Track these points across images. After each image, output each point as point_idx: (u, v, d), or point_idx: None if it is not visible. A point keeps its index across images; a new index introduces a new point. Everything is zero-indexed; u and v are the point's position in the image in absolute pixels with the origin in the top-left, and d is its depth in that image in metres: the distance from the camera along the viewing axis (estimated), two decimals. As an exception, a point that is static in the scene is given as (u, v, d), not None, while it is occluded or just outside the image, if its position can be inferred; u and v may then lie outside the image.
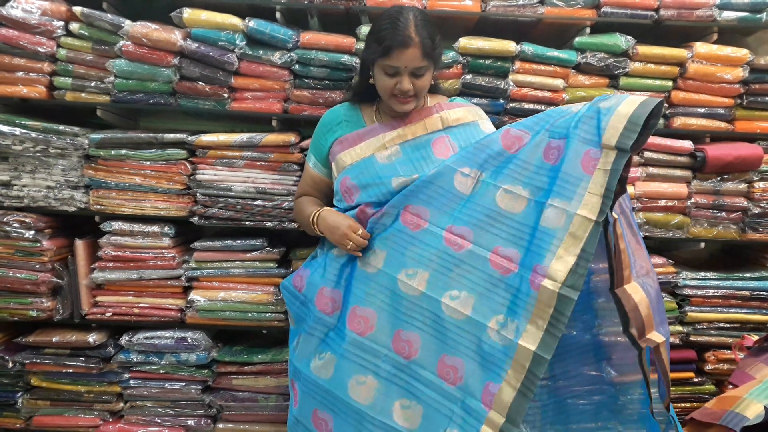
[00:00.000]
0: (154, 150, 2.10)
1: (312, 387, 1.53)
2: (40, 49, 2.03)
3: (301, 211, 1.75)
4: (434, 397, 1.42)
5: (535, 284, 1.32)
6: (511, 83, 2.12)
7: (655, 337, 1.47)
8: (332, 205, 1.74)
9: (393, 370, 1.46)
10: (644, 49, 2.13)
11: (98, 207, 2.12)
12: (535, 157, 1.43)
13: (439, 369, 1.43)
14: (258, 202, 2.10)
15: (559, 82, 2.13)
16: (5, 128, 2.01)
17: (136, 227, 2.10)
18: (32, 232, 2.06)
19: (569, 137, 1.37)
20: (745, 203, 2.20)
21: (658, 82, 2.17)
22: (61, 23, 2.03)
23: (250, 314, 2.14)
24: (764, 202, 2.20)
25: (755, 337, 2.05)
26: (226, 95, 2.10)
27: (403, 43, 1.48)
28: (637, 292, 1.44)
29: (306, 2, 2.09)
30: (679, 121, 2.18)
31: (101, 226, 2.11)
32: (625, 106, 1.31)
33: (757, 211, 2.20)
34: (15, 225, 2.06)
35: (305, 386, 1.55)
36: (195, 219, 2.11)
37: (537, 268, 1.33)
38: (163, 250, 2.12)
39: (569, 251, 1.30)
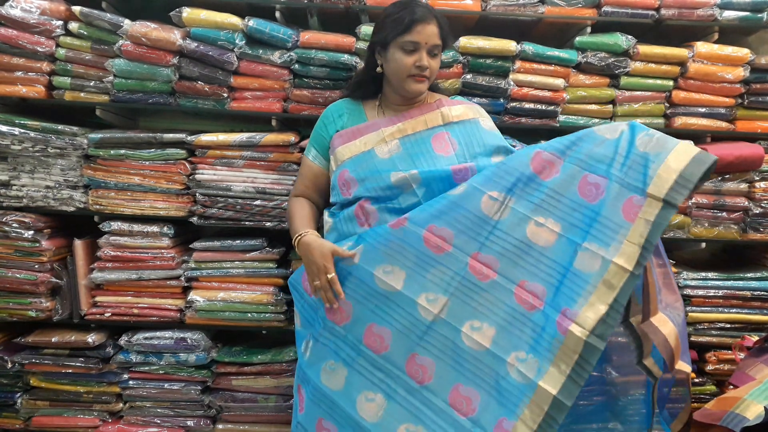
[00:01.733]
0: (153, 150, 2.09)
1: (319, 396, 1.50)
2: (39, 49, 2.02)
3: (291, 220, 1.70)
4: (442, 425, 1.38)
5: (563, 327, 1.29)
6: (512, 83, 2.12)
7: (683, 367, 1.44)
8: (329, 204, 1.73)
9: (403, 392, 1.43)
10: (645, 49, 2.12)
11: (97, 207, 2.11)
12: (569, 190, 1.38)
13: (452, 398, 1.39)
14: (257, 202, 2.09)
15: (559, 82, 2.13)
16: (4, 128, 2.01)
17: (136, 227, 2.10)
18: (31, 232, 2.06)
19: (610, 178, 1.33)
20: (746, 203, 2.19)
21: (659, 81, 2.17)
22: (60, 23, 2.02)
23: (249, 314, 2.13)
24: (765, 202, 2.20)
25: (755, 338, 2.05)
26: (225, 95, 2.09)
27: (424, 18, 1.55)
28: (665, 324, 1.40)
29: (306, 1, 2.09)
30: (679, 121, 2.18)
31: (100, 226, 2.11)
32: (677, 159, 1.28)
33: (758, 211, 2.19)
34: (14, 225, 2.06)
35: (313, 394, 1.52)
36: (194, 219, 2.11)
37: (566, 311, 1.30)
38: (163, 250, 2.12)
39: (601, 299, 1.27)
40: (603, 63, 2.12)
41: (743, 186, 2.19)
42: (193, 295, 2.12)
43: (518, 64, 2.12)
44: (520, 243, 1.39)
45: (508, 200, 1.42)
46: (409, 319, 1.44)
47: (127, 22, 2.00)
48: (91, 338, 2.11)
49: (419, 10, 1.56)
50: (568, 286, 1.32)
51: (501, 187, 1.44)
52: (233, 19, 2.02)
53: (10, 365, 2.12)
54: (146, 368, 2.17)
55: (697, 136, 2.21)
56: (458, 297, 1.42)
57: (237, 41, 2.02)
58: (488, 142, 1.64)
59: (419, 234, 1.46)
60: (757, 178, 2.20)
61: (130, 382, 2.18)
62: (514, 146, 1.88)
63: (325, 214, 1.72)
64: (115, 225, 2.09)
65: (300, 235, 1.58)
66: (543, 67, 2.12)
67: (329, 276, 1.46)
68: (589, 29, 2.14)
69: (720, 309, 2.21)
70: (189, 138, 2.07)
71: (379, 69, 1.66)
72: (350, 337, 1.49)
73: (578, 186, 1.37)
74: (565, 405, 1.27)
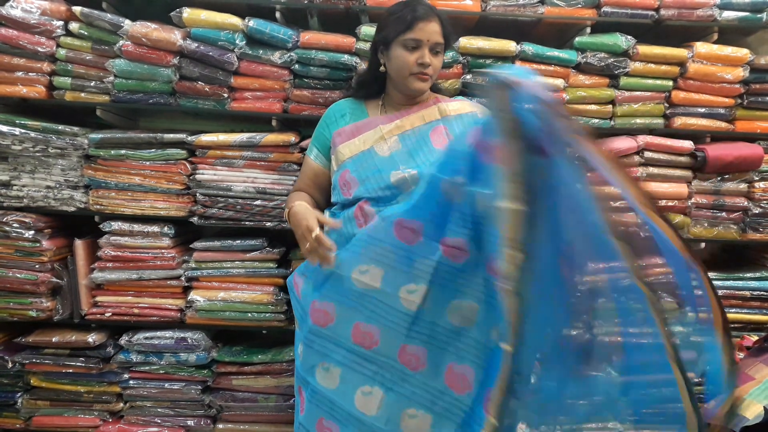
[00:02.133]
0: (153, 150, 2.10)
1: (318, 396, 1.51)
2: (39, 49, 2.03)
3: (287, 205, 1.70)
4: (444, 405, 1.41)
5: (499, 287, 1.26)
6: (512, 83, 2.12)
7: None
8: (330, 204, 1.74)
9: (400, 381, 1.44)
10: (644, 49, 2.12)
11: (98, 207, 2.12)
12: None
13: (448, 379, 1.41)
14: (258, 202, 2.10)
15: (559, 82, 2.13)
16: (5, 128, 2.01)
17: (136, 227, 2.10)
18: (32, 232, 2.06)
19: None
20: (746, 203, 2.19)
21: (658, 81, 2.17)
22: (61, 23, 2.03)
23: (249, 314, 2.14)
24: (764, 202, 2.20)
25: (755, 338, 2.06)
26: (225, 95, 2.10)
27: (426, 16, 1.56)
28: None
29: (306, 2, 2.09)
30: (679, 121, 2.18)
31: (101, 226, 2.11)
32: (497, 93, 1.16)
33: (757, 211, 2.20)
34: (15, 225, 2.06)
35: (312, 395, 1.53)
36: (195, 219, 2.11)
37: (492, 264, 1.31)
38: (163, 250, 2.12)
39: (509, 246, 1.17)
40: (602, 63, 2.12)
41: (742, 186, 2.20)
42: (193, 295, 2.12)
43: (518, 64, 2.12)
44: (482, 219, 1.36)
45: (463, 182, 1.38)
46: (394, 313, 1.44)
47: (127, 23, 2.00)
48: (92, 338, 2.12)
49: (421, 8, 1.58)
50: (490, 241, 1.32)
51: (455, 171, 1.38)
52: (233, 20, 2.03)
53: (10, 365, 2.12)
54: (147, 368, 2.17)
55: (696, 137, 2.21)
56: (437, 283, 1.42)
57: (237, 42, 2.02)
58: None
59: (389, 228, 1.44)
60: (757, 178, 2.21)
61: (131, 381, 2.18)
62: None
63: (326, 214, 1.72)
64: (116, 225, 2.10)
65: (290, 207, 1.58)
66: (543, 67, 2.12)
67: (314, 234, 1.42)
68: (588, 30, 2.14)
69: (719, 309, 2.22)
70: (189, 138, 2.07)
71: (382, 68, 1.67)
72: (337, 337, 1.50)
73: None
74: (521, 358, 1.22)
